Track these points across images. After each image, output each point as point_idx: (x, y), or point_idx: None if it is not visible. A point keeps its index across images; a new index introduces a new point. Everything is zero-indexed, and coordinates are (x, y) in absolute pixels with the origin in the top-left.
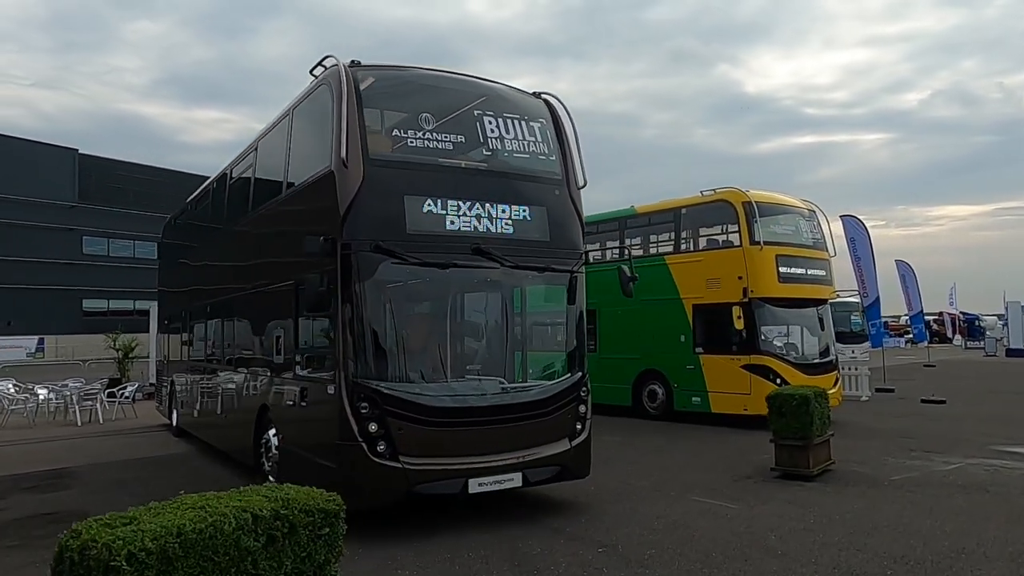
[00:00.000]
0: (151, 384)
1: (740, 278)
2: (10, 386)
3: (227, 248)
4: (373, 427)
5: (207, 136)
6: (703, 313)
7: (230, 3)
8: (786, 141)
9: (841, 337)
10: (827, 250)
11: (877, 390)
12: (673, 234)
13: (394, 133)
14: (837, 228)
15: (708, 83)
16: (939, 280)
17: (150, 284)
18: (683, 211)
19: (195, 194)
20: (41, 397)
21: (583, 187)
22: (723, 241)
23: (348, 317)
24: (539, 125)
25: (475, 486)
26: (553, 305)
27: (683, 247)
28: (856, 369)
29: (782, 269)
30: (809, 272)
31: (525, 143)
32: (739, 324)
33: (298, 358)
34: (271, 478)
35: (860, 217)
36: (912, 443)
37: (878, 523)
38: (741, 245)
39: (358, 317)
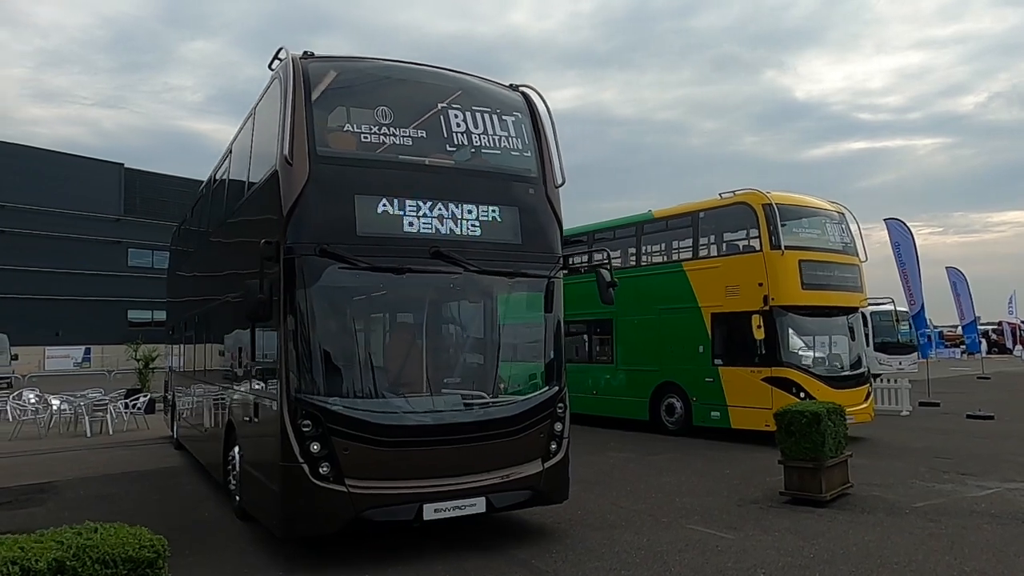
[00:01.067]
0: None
1: (760, 285)
2: (32, 396)
3: (207, 256)
4: (315, 447)
5: None
6: (722, 322)
7: (281, 22)
8: (837, 147)
9: (887, 348)
10: (857, 255)
11: (920, 404)
12: (691, 239)
13: (347, 128)
14: (882, 234)
15: (756, 90)
16: (999, 288)
17: None
18: (701, 215)
19: (193, 200)
20: (54, 407)
21: (561, 186)
22: (744, 246)
23: (291, 328)
24: (513, 119)
25: (431, 512)
26: (526, 313)
27: (701, 253)
28: (895, 382)
29: (806, 275)
30: (837, 278)
31: (496, 138)
32: (759, 334)
33: (253, 372)
34: (237, 497)
35: (915, 224)
36: (946, 464)
37: (887, 559)
38: (761, 250)
39: (302, 327)
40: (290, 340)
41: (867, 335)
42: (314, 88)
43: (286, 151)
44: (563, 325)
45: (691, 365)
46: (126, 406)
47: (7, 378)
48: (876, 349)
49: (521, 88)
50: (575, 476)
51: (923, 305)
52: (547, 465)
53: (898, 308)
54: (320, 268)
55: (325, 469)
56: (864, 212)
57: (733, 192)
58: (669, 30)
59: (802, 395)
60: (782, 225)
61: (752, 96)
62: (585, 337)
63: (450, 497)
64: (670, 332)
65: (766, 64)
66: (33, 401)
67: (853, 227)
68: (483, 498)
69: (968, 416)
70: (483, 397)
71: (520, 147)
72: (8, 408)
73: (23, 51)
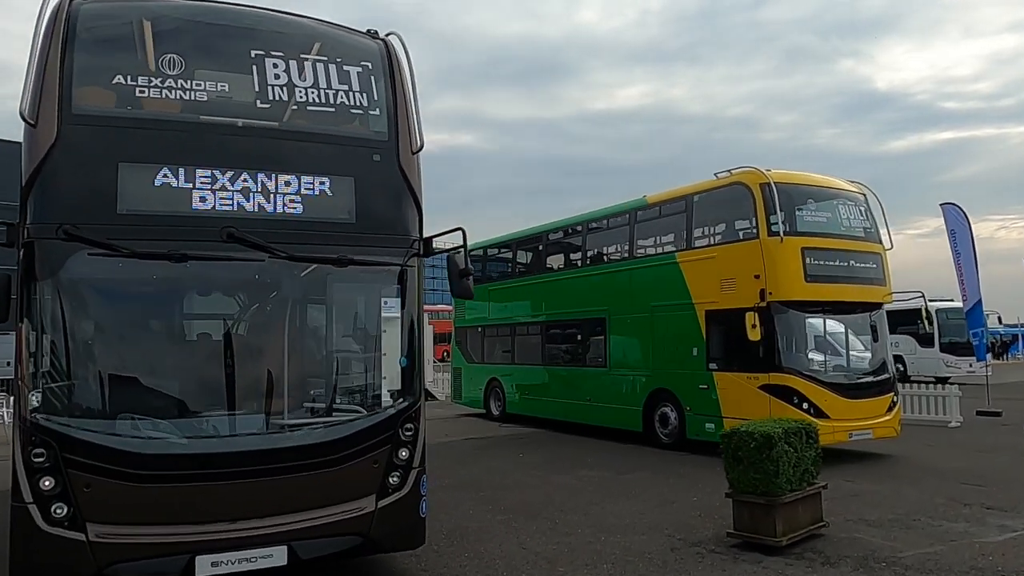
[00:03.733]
0: None
1: (757, 277)
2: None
3: None
4: (47, 483)
5: None
6: (717, 321)
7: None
8: (922, 138)
9: (955, 348)
10: (880, 242)
11: (978, 413)
12: (685, 226)
13: (117, 81)
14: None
15: (833, 81)
16: None
17: None
18: (695, 199)
19: None
20: None
21: (419, 151)
22: (740, 233)
23: (28, 331)
24: (360, 71)
25: (206, 567)
26: (364, 310)
27: (696, 242)
28: (943, 388)
29: (811, 265)
30: (852, 269)
31: (331, 94)
32: (754, 334)
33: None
34: None
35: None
36: (973, 493)
37: None
38: (758, 236)
39: (40, 331)
40: (26, 347)
41: (932, 335)
42: (80, 32)
43: (26, 108)
44: (419, 324)
45: (685, 370)
46: None
47: None
48: (943, 350)
49: (373, 33)
50: (509, 503)
51: (980, 301)
52: (384, 503)
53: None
54: (64, 255)
55: (60, 511)
56: None
57: (729, 171)
58: (740, 23)
59: (805, 406)
60: (784, 207)
61: (829, 87)
62: (578, 338)
63: (235, 547)
64: (663, 332)
65: (840, 53)
66: None
67: (876, 210)
68: (284, 547)
69: None
70: (290, 417)
71: (366, 104)
72: None
73: None
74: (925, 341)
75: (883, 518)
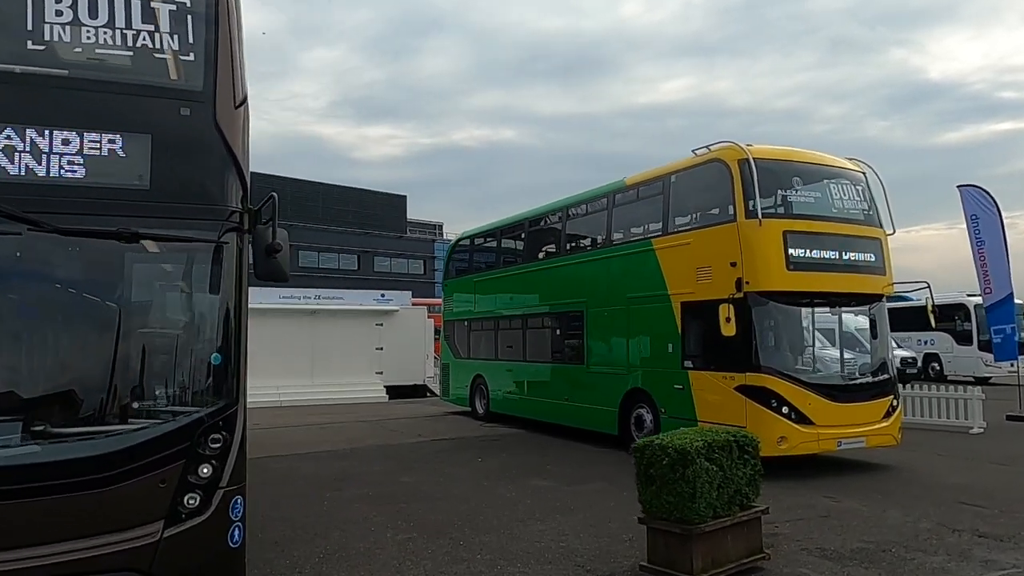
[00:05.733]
0: None
1: (733, 265)
2: None
3: None
4: None
5: (378, 151)
6: (693, 314)
7: (395, 27)
8: (979, 129)
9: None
10: (878, 225)
11: (1008, 418)
12: (662, 209)
13: None
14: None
15: (884, 72)
16: None
17: None
18: (672, 179)
19: None
20: None
21: (242, 105)
22: (717, 216)
23: None
24: (172, 9)
25: None
26: (164, 297)
27: (672, 227)
28: (964, 390)
29: (794, 251)
30: (844, 256)
31: (131, 35)
32: (728, 329)
33: None
34: None
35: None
36: (971, 515)
37: None
38: (735, 219)
39: None
40: None
41: (970, 331)
42: None
43: None
44: (239, 313)
45: (660, 368)
46: None
47: None
48: (982, 348)
49: None
50: (425, 519)
51: (1010, 295)
52: (173, 532)
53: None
54: None
55: None
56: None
57: (708, 147)
58: (785, 15)
59: (785, 410)
60: (765, 186)
61: (880, 78)
62: (557, 333)
63: None
64: (640, 327)
65: (888, 43)
66: None
67: (875, 190)
68: None
69: None
70: (55, 426)
71: (176, 47)
72: None
73: None
74: (963, 338)
75: (846, 547)
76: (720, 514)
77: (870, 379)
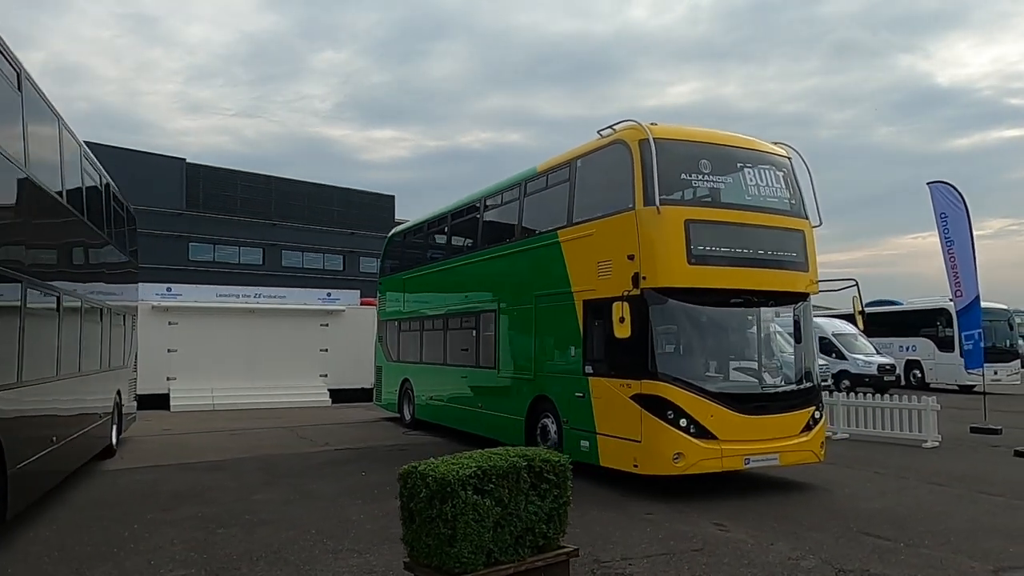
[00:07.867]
0: None
1: (631, 258)
2: None
3: None
4: None
5: (385, 153)
6: (594, 314)
7: (403, 30)
8: (986, 136)
9: (987, 354)
10: (803, 217)
11: (972, 430)
12: (568, 198)
13: None
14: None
15: (892, 77)
16: None
17: None
18: (578, 163)
19: None
20: None
21: None
22: (621, 204)
23: None
24: None
25: None
26: None
27: (577, 216)
28: (919, 401)
29: (698, 243)
30: (757, 250)
31: None
32: (622, 330)
33: None
34: None
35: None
36: (869, 550)
37: None
38: (633, 207)
39: None
40: None
41: (952, 337)
42: None
43: None
44: None
45: (563, 374)
46: None
47: None
48: (964, 355)
49: None
50: (218, 552)
51: (977, 298)
52: None
53: (1002, 307)
54: None
55: None
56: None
57: (612, 128)
58: (794, 19)
59: (683, 422)
60: (666, 170)
61: (887, 84)
62: (473, 334)
63: None
64: (545, 328)
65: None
66: None
67: (799, 176)
68: None
69: (1017, 453)
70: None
71: None
72: None
73: (174, 68)
74: (945, 345)
75: None
76: (499, 560)
77: (787, 388)
